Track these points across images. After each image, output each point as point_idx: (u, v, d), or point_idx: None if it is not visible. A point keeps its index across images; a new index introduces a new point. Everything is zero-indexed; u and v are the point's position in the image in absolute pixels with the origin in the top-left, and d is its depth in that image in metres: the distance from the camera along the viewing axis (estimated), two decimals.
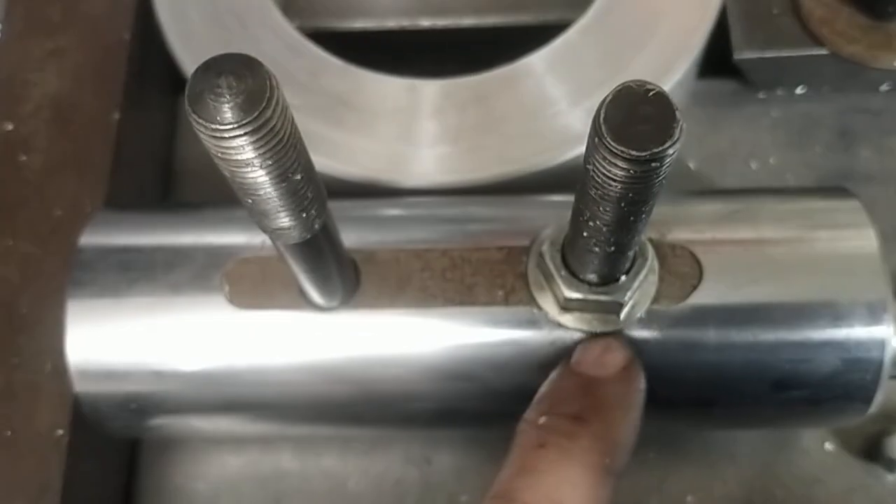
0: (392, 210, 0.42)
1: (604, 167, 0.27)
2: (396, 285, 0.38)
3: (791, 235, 0.39)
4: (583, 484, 0.31)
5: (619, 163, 0.26)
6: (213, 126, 0.24)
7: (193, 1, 0.50)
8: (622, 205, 0.28)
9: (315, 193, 0.29)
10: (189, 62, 0.49)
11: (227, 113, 0.23)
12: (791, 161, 0.52)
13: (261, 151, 0.25)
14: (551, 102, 0.46)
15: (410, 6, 0.58)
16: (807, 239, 0.39)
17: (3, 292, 0.43)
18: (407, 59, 0.58)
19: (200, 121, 0.24)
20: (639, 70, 0.46)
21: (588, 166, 0.28)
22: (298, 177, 0.27)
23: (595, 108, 0.45)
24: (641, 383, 0.36)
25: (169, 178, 0.54)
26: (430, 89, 0.48)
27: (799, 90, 0.54)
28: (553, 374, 0.36)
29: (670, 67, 0.46)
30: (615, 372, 0.35)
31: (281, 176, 0.26)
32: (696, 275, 0.38)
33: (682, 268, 0.38)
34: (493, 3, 0.57)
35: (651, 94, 0.26)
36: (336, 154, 0.46)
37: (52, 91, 0.47)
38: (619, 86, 0.26)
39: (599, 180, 0.27)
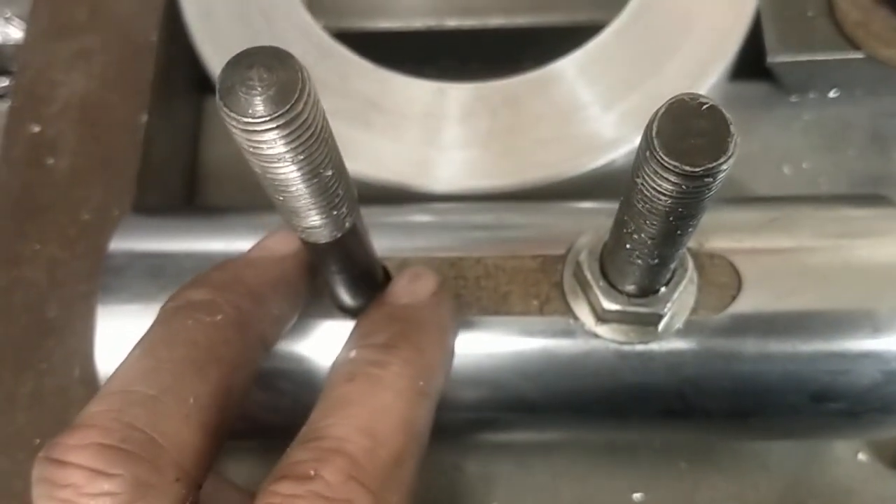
0: (424, 216, 0.41)
1: (654, 181, 0.26)
2: None
3: (830, 244, 0.39)
4: (395, 409, 0.30)
5: (671, 178, 0.25)
6: (245, 119, 0.23)
7: (221, 1, 0.50)
8: (670, 219, 0.28)
9: (345, 191, 0.28)
10: (216, 63, 0.48)
11: (259, 106, 0.23)
12: (824, 165, 0.52)
13: (293, 145, 0.24)
14: (583, 107, 0.46)
15: (436, 6, 0.57)
16: (846, 248, 0.39)
17: (30, 296, 0.43)
18: (432, 59, 0.58)
19: (232, 114, 0.23)
20: (673, 74, 0.46)
21: (636, 179, 0.27)
22: (329, 173, 0.26)
23: (628, 112, 0.46)
24: (451, 305, 0.36)
25: (194, 179, 0.54)
26: (459, 93, 0.47)
27: (832, 93, 0.53)
28: (363, 313, 0.35)
29: (705, 71, 0.46)
30: (424, 297, 0.35)
31: (312, 171, 0.26)
32: (735, 285, 0.37)
33: (721, 278, 0.38)
34: (521, 3, 0.56)
35: (705, 107, 0.25)
36: (364, 158, 0.46)
37: (79, 92, 0.47)
38: (671, 99, 0.25)
39: (648, 194, 0.27)
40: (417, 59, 0.55)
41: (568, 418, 0.39)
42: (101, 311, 0.38)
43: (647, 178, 0.26)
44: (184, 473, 0.27)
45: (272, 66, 0.23)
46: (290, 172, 0.25)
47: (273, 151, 0.24)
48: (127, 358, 0.30)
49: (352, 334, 0.34)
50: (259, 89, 0.23)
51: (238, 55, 0.23)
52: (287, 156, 0.24)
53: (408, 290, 0.35)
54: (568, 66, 0.47)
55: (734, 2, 0.47)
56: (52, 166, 0.45)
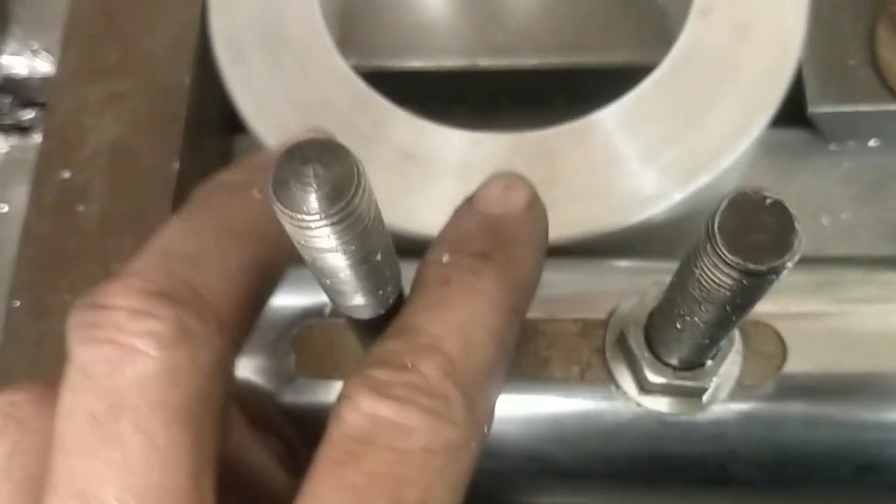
0: None
1: (713, 274, 0.25)
2: None
3: (878, 310, 0.38)
4: (489, 321, 0.29)
5: (733, 274, 0.25)
6: (300, 216, 0.22)
7: (253, 43, 0.49)
8: (727, 308, 0.27)
9: (391, 271, 0.28)
10: (248, 106, 0.48)
11: (314, 203, 0.22)
12: (864, 216, 0.51)
13: (345, 238, 0.24)
14: (622, 160, 0.45)
15: (469, 46, 0.56)
16: (895, 314, 0.38)
17: (60, 350, 0.42)
18: (462, 98, 0.57)
19: (286, 210, 0.22)
20: (715, 128, 0.45)
21: (694, 269, 0.26)
22: (378, 258, 0.26)
23: (668, 166, 0.45)
24: (545, 221, 0.34)
25: None
26: (494, 144, 0.46)
27: (872, 142, 0.52)
28: (452, 216, 0.33)
29: (748, 125, 0.45)
30: (519, 209, 0.32)
31: (363, 259, 0.25)
32: (780, 354, 0.37)
33: (766, 346, 0.37)
34: (556, 44, 0.56)
35: (769, 202, 0.24)
36: (398, 209, 0.45)
37: (110, 138, 0.46)
38: (733, 192, 0.25)
39: (707, 285, 0.26)
40: (448, 98, 0.55)
41: (606, 485, 0.39)
42: None
43: (705, 269, 0.26)
44: (226, 328, 0.26)
45: (328, 162, 0.22)
46: (339, 261, 0.25)
47: (325, 245, 0.24)
48: (165, 225, 0.28)
49: (439, 239, 0.32)
50: (314, 185, 0.22)
51: (292, 148, 0.23)
52: (339, 248, 0.24)
53: (502, 199, 0.32)
54: (607, 118, 0.46)
55: (777, 51, 0.46)
56: (83, 214, 0.45)
